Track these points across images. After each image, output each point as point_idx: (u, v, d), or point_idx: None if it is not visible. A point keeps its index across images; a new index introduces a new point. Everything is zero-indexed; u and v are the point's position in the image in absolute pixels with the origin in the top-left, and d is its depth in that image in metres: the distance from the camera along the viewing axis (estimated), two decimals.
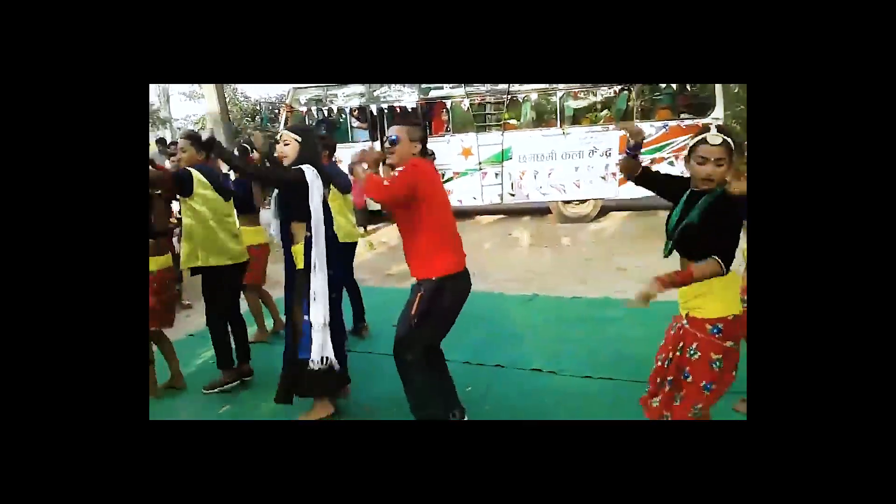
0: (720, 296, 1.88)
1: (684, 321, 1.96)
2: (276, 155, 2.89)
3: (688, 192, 2.00)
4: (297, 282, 2.84)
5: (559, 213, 8.44)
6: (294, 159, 2.78)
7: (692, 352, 1.91)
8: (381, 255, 7.27)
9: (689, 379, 1.93)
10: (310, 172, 2.74)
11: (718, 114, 7.56)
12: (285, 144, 2.79)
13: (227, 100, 10.87)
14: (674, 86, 7.95)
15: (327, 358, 2.77)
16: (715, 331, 1.87)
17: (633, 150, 2.15)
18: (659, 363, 2.06)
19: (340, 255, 3.08)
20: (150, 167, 3.11)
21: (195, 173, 3.19)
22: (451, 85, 8.64)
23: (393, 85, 9.15)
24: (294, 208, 2.78)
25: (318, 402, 2.93)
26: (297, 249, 2.82)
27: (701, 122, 7.43)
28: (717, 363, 1.88)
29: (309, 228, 2.74)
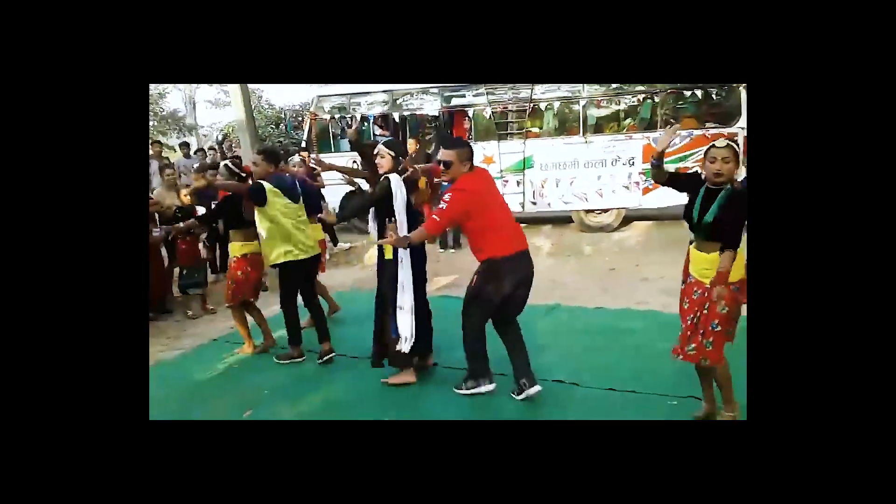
0: (735, 265, 2.48)
1: (707, 286, 2.52)
2: (376, 164, 3.44)
3: (704, 189, 2.58)
4: (387, 271, 3.38)
5: (581, 222, 8.38)
6: (388, 169, 3.35)
7: (721, 307, 2.47)
8: None
9: (718, 328, 2.52)
10: (394, 181, 3.30)
11: (744, 122, 7.45)
12: (382, 158, 3.37)
13: (252, 107, 11.05)
14: (699, 93, 7.86)
15: (409, 338, 3.33)
16: (735, 289, 2.48)
17: (657, 159, 2.68)
18: (688, 322, 2.59)
19: (307, 270, 3.98)
20: (231, 181, 3.92)
21: (266, 185, 3.70)
22: (473, 93, 8.67)
23: (415, 93, 9.22)
24: (384, 210, 3.35)
25: (403, 371, 3.50)
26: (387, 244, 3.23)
27: (727, 131, 7.34)
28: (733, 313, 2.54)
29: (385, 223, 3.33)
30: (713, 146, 2.52)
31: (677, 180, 2.77)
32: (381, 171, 3.43)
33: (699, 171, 2.71)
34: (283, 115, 16.11)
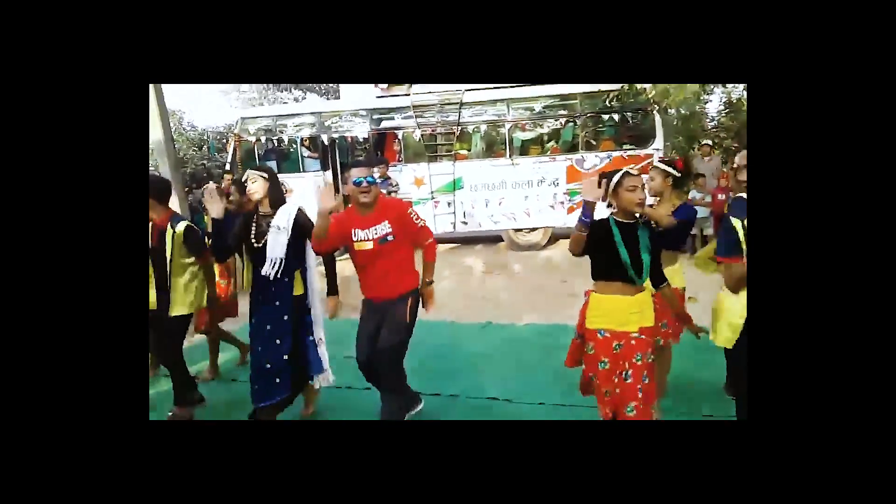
0: (651, 305, 2.38)
1: (634, 335, 2.28)
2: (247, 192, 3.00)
3: (615, 225, 2.29)
4: (295, 307, 2.97)
5: (511, 241, 8.58)
6: (263, 195, 2.94)
7: (649, 357, 2.30)
8: None
9: (647, 381, 2.28)
10: (301, 211, 2.98)
11: (658, 144, 7.93)
12: (252, 182, 2.94)
13: (173, 129, 10.62)
14: (616, 117, 8.30)
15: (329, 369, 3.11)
16: (662, 328, 2.43)
17: (590, 215, 2.24)
18: (614, 380, 2.29)
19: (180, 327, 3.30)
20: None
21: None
22: (402, 115, 8.75)
23: (344, 115, 9.18)
24: (294, 244, 2.93)
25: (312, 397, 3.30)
26: (298, 275, 3.00)
27: (643, 152, 7.78)
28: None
29: (303, 260, 3.01)
30: (626, 174, 2.27)
31: (587, 247, 2.30)
32: (255, 197, 2.96)
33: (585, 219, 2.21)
34: (206, 137, 15.59)
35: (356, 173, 2.76)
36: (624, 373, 2.26)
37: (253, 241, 2.97)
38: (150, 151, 7.43)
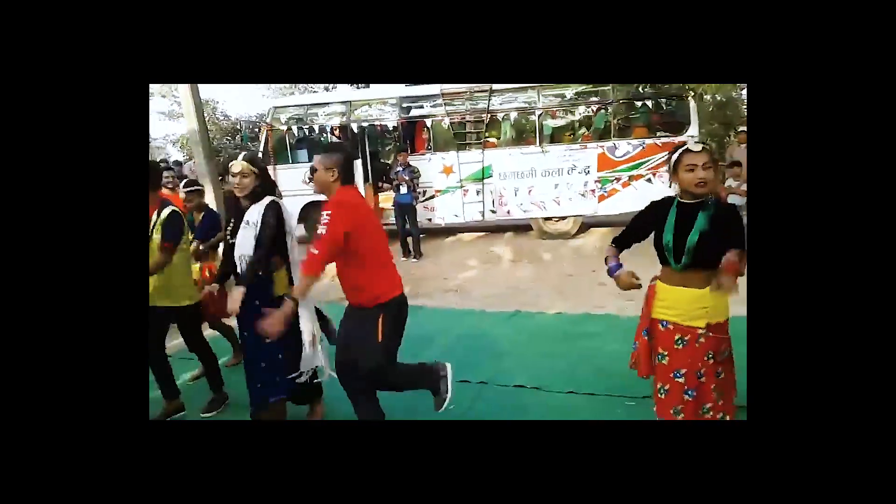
0: (722, 303, 2.07)
1: (701, 331, 2.05)
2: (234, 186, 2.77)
3: (675, 206, 2.10)
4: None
5: (540, 230, 8.52)
6: (248, 192, 2.73)
7: (725, 354, 2.10)
8: None
9: (723, 376, 2.11)
10: (282, 206, 2.78)
11: (693, 131, 7.74)
12: (244, 177, 2.70)
13: (207, 119, 10.82)
14: (649, 104, 8.13)
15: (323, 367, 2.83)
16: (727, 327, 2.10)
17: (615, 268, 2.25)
18: (680, 380, 2.09)
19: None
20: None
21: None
22: (431, 103, 8.74)
23: (374, 104, 9.22)
24: (271, 241, 2.70)
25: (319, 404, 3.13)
26: (280, 275, 2.80)
27: (677, 139, 7.60)
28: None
29: (285, 257, 2.80)
30: (686, 151, 2.03)
31: (634, 233, 2.28)
32: (243, 192, 2.73)
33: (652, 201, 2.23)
34: (238, 127, 15.86)
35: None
36: (697, 372, 2.07)
37: (228, 236, 2.82)
38: (185, 141, 7.56)
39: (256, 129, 11.47)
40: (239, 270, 2.72)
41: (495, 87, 8.37)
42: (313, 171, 2.53)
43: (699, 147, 2.02)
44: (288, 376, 2.78)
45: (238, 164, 2.71)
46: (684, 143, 2.07)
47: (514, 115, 8.60)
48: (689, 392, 2.08)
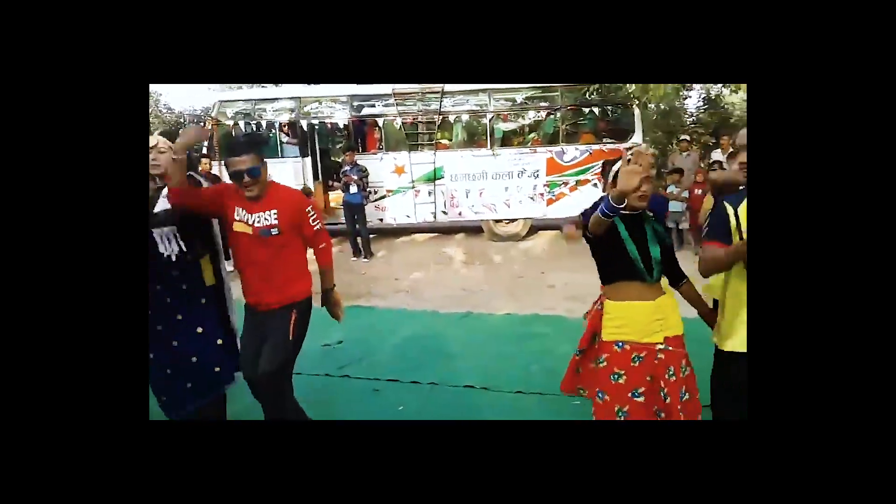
0: (677, 309, 2.10)
1: (661, 346, 2.00)
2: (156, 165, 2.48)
3: (618, 220, 1.99)
4: (205, 298, 2.60)
5: (490, 232, 8.62)
6: (165, 170, 2.43)
7: (684, 370, 2.05)
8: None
9: (687, 397, 2.05)
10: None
11: (637, 139, 8.02)
12: (160, 153, 2.43)
13: (150, 111, 10.38)
14: (596, 111, 8.37)
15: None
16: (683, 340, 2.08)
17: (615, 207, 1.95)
18: (640, 399, 2.01)
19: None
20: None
21: None
22: (383, 103, 8.70)
23: (324, 101, 9.09)
24: (198, 224, 2.56)
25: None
26: (206, 263, 2.61)
27: (622, 146, 7.86)
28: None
29: (211, 243, 2.64)
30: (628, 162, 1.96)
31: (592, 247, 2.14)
32: (159, 171, 2.44)
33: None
34: (182, 120, 15.30)
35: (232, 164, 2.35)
36: (661, 391, 2.00)
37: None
38: None
39: (202, 124, 11.09)
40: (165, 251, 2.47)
41: (447, 88, 8.42)
42: (255, 172, 2.34)
43: (646, 152, 1.97)
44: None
45: (163, 143, 2.47)
46: (630, 149, 2.11)
47: (465, 117, 8.67)
48: (660, 413, 2.04)
